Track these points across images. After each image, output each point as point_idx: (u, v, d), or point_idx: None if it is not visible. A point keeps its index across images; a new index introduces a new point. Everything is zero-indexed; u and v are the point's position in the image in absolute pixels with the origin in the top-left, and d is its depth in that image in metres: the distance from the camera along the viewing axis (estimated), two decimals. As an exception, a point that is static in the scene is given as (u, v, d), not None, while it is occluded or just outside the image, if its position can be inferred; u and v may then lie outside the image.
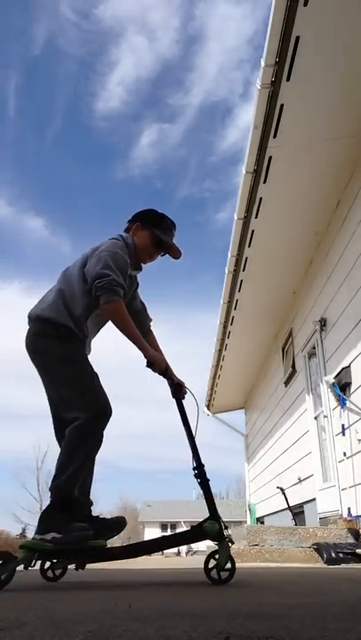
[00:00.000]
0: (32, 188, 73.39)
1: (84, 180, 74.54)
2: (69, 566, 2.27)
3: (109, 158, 77.91)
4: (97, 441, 2.18)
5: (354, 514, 4.50)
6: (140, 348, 2.23)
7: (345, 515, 4.63)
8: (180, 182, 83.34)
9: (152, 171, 79.06)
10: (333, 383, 4.98)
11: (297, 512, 6.79)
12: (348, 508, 4.61)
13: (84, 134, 74.48)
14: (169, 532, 37.50)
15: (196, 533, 2.09)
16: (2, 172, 67.29)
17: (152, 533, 38.94)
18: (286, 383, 7.52)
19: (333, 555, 3.72)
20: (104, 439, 2.19)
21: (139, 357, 2.25)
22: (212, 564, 1.96)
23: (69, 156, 74.48)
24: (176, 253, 2.53)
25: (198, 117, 73.64)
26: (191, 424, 2.24)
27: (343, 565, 3.60)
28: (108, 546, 2.20)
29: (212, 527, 2.00)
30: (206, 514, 2.06)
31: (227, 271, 6.02)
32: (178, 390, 2.33)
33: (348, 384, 4.73)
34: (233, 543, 2.08)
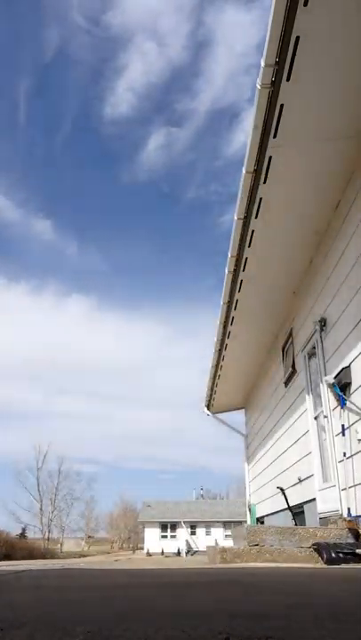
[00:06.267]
0: (41, 190, 74.04)
1: (92, 184, 75.26)
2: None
3: (117, 162, 78.52)
4: None
5: (354, 514, 4.50)
6: None
7: (345, 515, 4.63)
8: (186, 186, 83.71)
9: (159, 174, 79.49)
10: (333, 383, 4.97)
11: (297, 512, 6.79)
12: (348, 508, 4.61)
13: (93, 138, 75.10)
14: (169, 532, 37.72)
15: None
16: (12, 174, 67.82)
17: (152, 533, 38.94)
18: (286, 383, 7.52)
19: (333, 555, 3.72)
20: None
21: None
22: None
23: (78, 160, 75.11)
24: None
25: (206, 122, 73.90)
26: None
27: (343, 565, 3.61)
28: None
29: None
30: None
31: (227, 271, 6.02)
32: None
33: (348, 384, 4.72)
34: None
